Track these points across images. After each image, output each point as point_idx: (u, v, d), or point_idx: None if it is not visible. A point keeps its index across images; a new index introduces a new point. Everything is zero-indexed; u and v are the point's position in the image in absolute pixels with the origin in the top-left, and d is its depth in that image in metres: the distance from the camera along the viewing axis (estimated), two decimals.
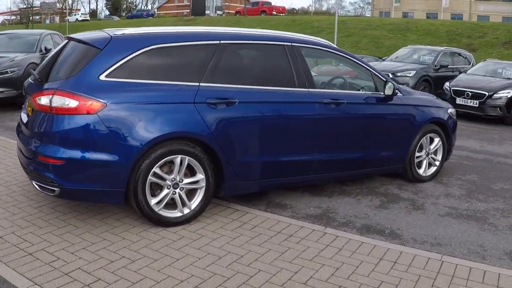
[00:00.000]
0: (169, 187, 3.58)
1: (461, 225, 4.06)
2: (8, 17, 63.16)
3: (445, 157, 5.39)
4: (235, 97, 3.76)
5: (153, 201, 3.52)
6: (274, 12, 41.43)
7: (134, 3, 74.67)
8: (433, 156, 5.28)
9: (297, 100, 4.09)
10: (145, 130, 3.40)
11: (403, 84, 10.86)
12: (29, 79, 3.95)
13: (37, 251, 3.16)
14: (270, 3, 45.68)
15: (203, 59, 3.74)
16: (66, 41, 3.84)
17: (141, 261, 3.12)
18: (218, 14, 52.28)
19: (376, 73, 4.70)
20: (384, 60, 13.81)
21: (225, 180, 3.82)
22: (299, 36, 4.46)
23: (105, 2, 73.36)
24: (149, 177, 3.46)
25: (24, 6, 55.36)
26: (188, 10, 50.64)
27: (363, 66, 4.68)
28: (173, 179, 3.58)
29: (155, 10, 70.75)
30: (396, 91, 4.63)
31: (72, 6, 66.32)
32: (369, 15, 53.32)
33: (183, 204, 3.66)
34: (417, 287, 2.95)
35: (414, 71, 11.31)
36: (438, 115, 5.18)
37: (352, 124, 4.48)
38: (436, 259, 3.34)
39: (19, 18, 57.92)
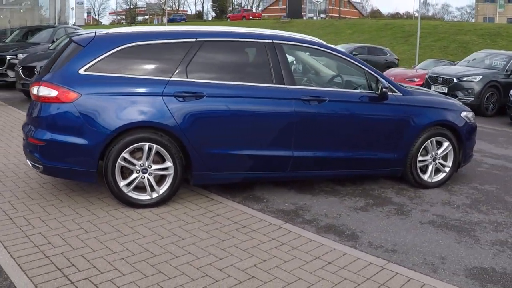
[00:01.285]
0: (138, 171, 3.81)
1: (436, 235, 3.72)
2: (114, 17, 68.86)
3: (456, 164, 4.92)
4: (203, 91, 3.87)
5: (122, 183, 3.78)
6: (251, 17, 49.36)
7: (241, 5, 77.05)
8: (441, 161, 4.85)
9: (270, 96, 4.06)
10: (114, 119, 3.66)
11: (468, 89, 10.06)
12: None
13: (17, 217, 3.61)
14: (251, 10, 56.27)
15: (177, 56, 3.90)
16: (67, 40, 4.27)
17: (93, 233, 3.39)
18: (321, 17, 52.27)
19: (370, 72, 4.47)
20: (456, 64, 12.73)
21: (194, 170, 3.95)
22: (283, 33, 4.41)
23: (211, 3, 76.67)
24: (118, 161, 3.72)
25: (127, 7, 59.98)
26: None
27: (355, 64, 4.47)
28: (141, 165, 3.80)
29: (260, 12, 72.55)
30: (385, 90, 4.33)
31: (178, 7, 70.47)
32: (473, 21, 49.54)
33: (152, 189, 3.87)
34: None
35: (481, 76, 10.24)
36: (446, 117, 4.74)
37: (337, 122, 4.31)
38: (377, 265, 3.13)
39: (124, 18, 62.89)
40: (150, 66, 3.87)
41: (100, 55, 3.74)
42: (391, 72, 12.85)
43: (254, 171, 4.16)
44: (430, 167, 4.80)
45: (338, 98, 4.30)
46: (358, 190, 4.69)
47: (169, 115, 3.77)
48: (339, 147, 4.35)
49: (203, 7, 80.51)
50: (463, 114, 4.91)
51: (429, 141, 4.70)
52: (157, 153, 3.81)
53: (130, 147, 3.73)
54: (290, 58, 4.32)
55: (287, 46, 4.25)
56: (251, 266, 3.04)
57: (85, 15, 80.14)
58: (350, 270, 3.04)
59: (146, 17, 63.01)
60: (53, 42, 11.62)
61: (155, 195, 3.88)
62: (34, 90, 3.77)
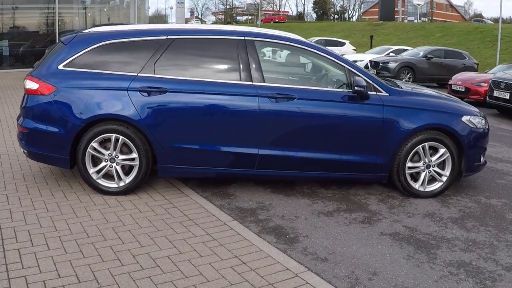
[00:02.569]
0: (106, 160, 3.99)
1: (388, 248, 3.33)
2: (216, 17, 71.17)
3: (455, 173, 4.33)
4: (166, 86, 3.91)
5: (91, 170, 3.99)
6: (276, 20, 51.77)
7: (344, 7, 75.29)
8: (437, 169, 4.31)
9: (235, 92, 3.95)
10: (84, 110, 3.87)
11: None
12: None
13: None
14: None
15: (147, 53, 3.99)
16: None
17: (51, 213, 3.60)
18: (422, 20, 49.58)
19: (352, 69, 4.12)
20: None
21: (158, 162, 4.02)
22: (257, 30, 4.25)
23: (312, 5, 76.09)
24: (88, 149, 3.93)
25: (223, 7, 61.66)
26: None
27: (336, 61, 4.16)
28: (109, 154, 3.98)
29: (361, 14, 70.46)
30: (359, 88, 3.95)
31: (279, 8, 71.06)
32: None
33: (119, 178, 4.03)
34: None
35: None
36: (440, 121, 4.19)
37: (308, 121, 4.05)
38: (292, 272, 2.89)
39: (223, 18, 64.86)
40: (121, 62, 4.00)
41: (78, 52, 3.98)
42: (459, 76, 11.65)
43: (219, 167, 4.09)
44: (422, 175, 4.29)
45: (309, 97, 4.03)
46: (340, 194, 4.37)
47: (133, 109, 3.88)
48: (310, 147, 4.09)
49: (304, 8, 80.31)
50: (465, 118, 4.30)
51: (420, 146, 4.20)
52: (126, 144, 3.95)
53: (99, 137, 3.92)
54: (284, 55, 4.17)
55: (259, 43, 4.11)
56: (163, 256, 3.02)
57: (188, 14, 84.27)
58: (259, 273, 2.87)
59: (250, 17, 64.54)
60: None
61: (121, 183, 4.03)
62: (24, 83, 4.14)
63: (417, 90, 4.69)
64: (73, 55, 3.97)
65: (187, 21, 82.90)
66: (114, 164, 3.98)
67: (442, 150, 4.25)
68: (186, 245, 3.21)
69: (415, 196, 4.31)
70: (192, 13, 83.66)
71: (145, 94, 3.89)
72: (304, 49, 4.15)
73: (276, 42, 4.17)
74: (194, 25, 4.62)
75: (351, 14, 69.78)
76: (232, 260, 3.03)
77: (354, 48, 22.44)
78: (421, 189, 4.31)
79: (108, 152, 3.96)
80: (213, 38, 4.12)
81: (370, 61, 15.27)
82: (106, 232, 3.35)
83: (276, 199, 4.17)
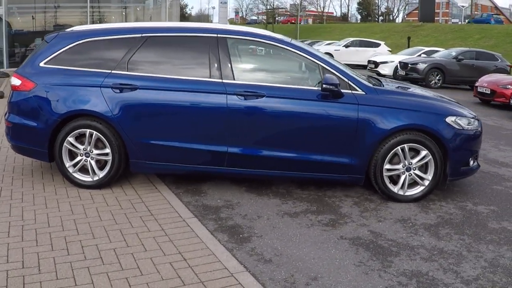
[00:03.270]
0: (82, 155, 4.05)
1: (342, 253, 3.12)
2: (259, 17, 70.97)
3: (439, 177, 4.03)
4: (137, 83, 3.90)
5: (68, 164, 4.06)
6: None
7: (389, 8, 73.16)
8: (418, 173, 4.03)
9: (203, 90, 3.87)
10: (60, 106, 3.94)
11: None
12: None
13: None
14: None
15: (122, 50, 4.00)
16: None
17: (25, 203, 3.68)
18: (467, 22, 47.59)
19: (326, 67, 3.94)
20: None
21: (130, 157, 4.03)
22: (231, 27, 4.16)
23: (356, 6, 74.54)
24: (64, 144, 3.99)
25: (264, 8, 61.42)
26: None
27: (309, 59, 3.99)
28: (84, 149, 4.04)
29: (405, 15, 68.41)
30: (327, 86, 3.76)
31: (323, 9, 70.16)
32: None
33: (94, 172, 4.08)
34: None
35: None
36: (420, 121, 3.91)
37: (277, 120, 3.90)
38: (229, 271, 2.78)
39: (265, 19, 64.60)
40: (98, 60, 4.04)
41: (59, 50, 4.06)
42: (486, 78, 10.93)
43: (189, 165, 4.04)
44: (402, 178, 4.03)
45: (278, 94, 3.89)
46: (315, 195, 4.19)
47: (106, 105, 3.91)
48: (281, 146, 3.94)
49: (348, 9, 78.81)
50: (450, 119, 3.99)
51: (399, 147, 3.94)
52: (101, 139, 3.99)
53: (74, 132, 3.98)
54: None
55: (231, 40, 4.02)
56: (110, 249, 3.03)
57: (233, 14, 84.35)
58: (195, 270, 2.79)
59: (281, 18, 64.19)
60: None
61: (96, 177, 4.06)
62: (10, 80, 4.28)
63: (401, 89, 4.42)
64: (54, 53, 4.06)
65: (231, 21, 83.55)
66: (89, 159, 4.03)
67: (423, 153, 3.97)
68: (136, 239, 3.19)
69: (395, 200, 4.05)
70: (237, 13, 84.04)
71: (117, 90, 3.91)
72: (277, 46, 4.01)
73: (249, 40, 4.06)
74: (168, 22, 4.59)
75: (395, 15, 67.82)
76: (174, 256, 2.97)
77: (389, 49, 21.72)
78: (401, 192, 4.05)
79: (83, 146, 4.01)
80: (186, 35, 4.07)
81: (400, 62, 14.70)
82: (67, 223, 3.39)
83: (246, 198, 4.06)
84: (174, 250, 3.04)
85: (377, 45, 22.04)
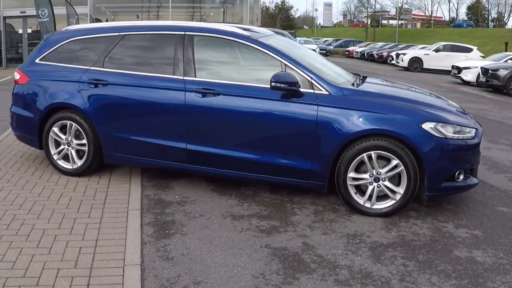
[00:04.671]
0: (64, 144, 4.27)
1: (252, 262, 2.80)
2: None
3: (412, 191, 3.44)
4: (108, 79, 3.98)
5: (53, 152, 4.31)
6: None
7: (500, 12, 65.70)
8: (388, 184, 3.49)
9: (165, 86, 3.79)
10: (46, 99, 4.19)
11: None
12: None
13: None
14: None
15: (101, 48, 4.13)
16: None
17: (7, 184, 3.99)
18: None
19: (290, 64, 3.60)
20: None
21: (103, 149, 4.13)
22: (198, 25, 4.00)
23: (466, 11, 68.12)
24: (50, 133, 4.25)
25: (366, 11, 59.00)
26: None
27: (273, 56, 3.67)
28: (66, 139, 4.25)
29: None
30: (275, 84, 3.42)
31: (431, 13, 65.56)
32: None
33: (73, 160, 4.28)
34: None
35: None
36: (389, 126, 3.35)
37: (233, 118, 3.66)
38: (123, 262, 2.71)
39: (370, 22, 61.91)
40: (82, 57, 4.20)
41: (51, 48, 4.34)
42: None
43: (153, 159, 3.99)
44: (369, 189, 3.53)
45: (235, 92, 3.65)
46: (278, 200, 3.84)
47: (82, 99, 4.06)
48: (237, 146, 3.71)
49: (457, 13, 72.48)
50: (428, 125, 3.37)
51: (365, 155, 3.46)
52: (80, 130, 4.16)
53: (58, 122, 4.21)
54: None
55: (197, 38, 3.89)
56: (40, 229, 3.18)
57: (340, 17, 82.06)
58: (95, 257, 2.82)
59: (402, 22, 60.97)
60: None
61: (75, 166, 4.26)
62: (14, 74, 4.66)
63: (381, 90, 3.87)
64: (47, 50, 4.34)
65: (339, 24, 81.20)
66: (70, 148, 4.24)
67: (394, 162, 3.42)
68: (71, 223, 3.26)
69: (360, 213, 3.56)
70: (344, 15, 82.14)
71: (92, 86, 4.04)
72: (242, 43, 3.78)
73: (214, 37, 3.89)
74: (144, 21, 4.62)
75: (506, 20, 60.66)
76: (89, 242, 2.99)
77: (482, 55, 19.45)
78: (368, 205, 3.54)
79: (65, 136, 4.23)
80: (157, 33, 4.05)
81: (481, 68, 13.04)
82: (27, 203, 3.60)
83: (205, 197, 3.90)
84: (94, 237, 3.05)
85: (469, 50, 19.88)
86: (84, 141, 4.14)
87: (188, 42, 3.84)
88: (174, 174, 4.34)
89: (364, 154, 3.43)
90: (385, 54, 25.30)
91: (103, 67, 4.06)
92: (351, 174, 3.49)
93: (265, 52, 3.68)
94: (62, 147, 4.26)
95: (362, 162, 3.48)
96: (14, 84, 4.49)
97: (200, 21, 22.27)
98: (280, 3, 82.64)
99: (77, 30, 4.36)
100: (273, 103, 3.56)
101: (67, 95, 4.11)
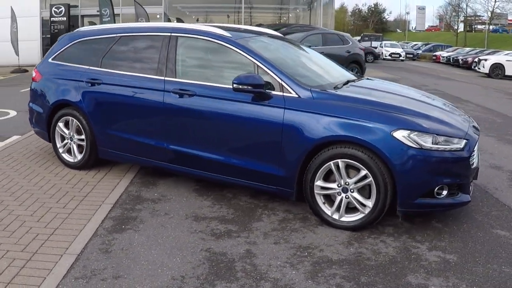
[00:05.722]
0: (67, 138, 4.63)
1: (183, 264, 2.79)
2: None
3: (383, 205, 3.14)
4: (101, 79, 4.23)
5: (58, 145, 4.70)
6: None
7: None
8: (357, 196, 3.24)
9: (147, 86, 3.93)
10: (52, 96, 4.58)
11: None
12: None
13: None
14: None
15: (100, 49, 4.41)
16: None
17: (12, 170, 4.46)
18: None
19: (264, 66, 3.50)
20: None
21: (97, 144, 4.40)
22: (183, 26, 4.05)
23: None
24: (56, 128, 4.66)
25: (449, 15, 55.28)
26: None
27: (248, 58, 3.59)
28: (69, 134, 4.61)
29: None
30: (237, 85, 3.33)
31: None
32: None
33: (74, 154, 4.61)
34: None
35: None
36: (356, 133, 3.10)
37: (205, 119, 3.67)
38: (65, 250, 2.88)
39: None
40: (85, 57, 4.51)
41: (62, 48, 4.74)
42: None
43: (139, 157, 4.16)
44: (337, 200, 3.31)
45: (208, 94, 3.65)
46: (250, 205, 3.75)
47: (80, 97, 4.37)
48: (210, 148, 3.70)
49: None
50: (401, 133, 3.06)
51: (331, 163, 3.25)
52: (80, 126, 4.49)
53: (62, 118, 4.58)
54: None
55: (181, 39, 3.97)
56: (12, 215, 3.45)
57: (436, 21, 77.15)
58: (43, 244, 3.02)
59: (494, 27, 55.98)
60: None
61: (75, 159, 4.60)
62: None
63: (359, 94, 3.58)
64: (59, 51, 4.75)
65: (435, 29, 76.85)
66: (72, 142, 4.59)
67: (363, 172, 3.17)
68: (44, 212, 3.54)
69: (329, 225, 3.35)
70: (440, 20, 77.39)
71: (89, 84, 4.33)
72: (222, 44, 3.76)
73: (196, 38, 3.93)
74: (140, 23, 4.78)
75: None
76: (47, 230, 3.23)
77: None
78: (335, 216, 3.32)
79: (69, 131, 4.58)
80: (148, 34, 4.21)
81: None
82: (17, 190, 3.98)
83: (182, 196, 3.94)
84: (56, 226, 3.29)
85: None
86: (83, 137, 4.43)
87: (172, 43, 3.94)
88: (166, 172, 4.45)
89: (331, 162, 3.22)
90: (470, 59, 23.37)
91: (100, 67, 4.33)
92: (319, 183, 3.31)
93: (241, 54, 3.64)
94: (66, 141, 4.61)
95: (330, 171, 3.27)
96: (32, 81, 4.96)
97: (283, 21, 22.69)
98: (373, 5, 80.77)
99: (85, 32, 4.70)
100: (242, 105, 3.50)
101: (69, 93, 4.45)
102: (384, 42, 35.55)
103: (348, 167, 3.23)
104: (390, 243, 3.12)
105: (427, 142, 3.06)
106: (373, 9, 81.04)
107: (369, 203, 3.18)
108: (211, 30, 3.86)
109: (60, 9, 16.39)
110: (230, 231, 3.28)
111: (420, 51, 36.74)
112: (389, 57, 31.29)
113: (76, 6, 18.89)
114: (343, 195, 3.26)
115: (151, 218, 3.49)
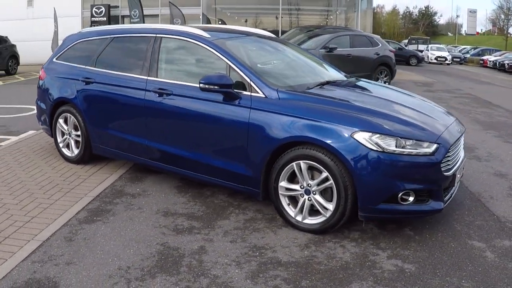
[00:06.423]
0: (66, 134, 4.88)
1: (128, 256, 2.87)
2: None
3: (344, 208, 3.06)
4: (94, 77, 4.42)
5: (59, 140, 4.96)
6: None
7: None
8: (319, 198, 3.18)
9: (131, 85, 4.06)
10: (53, 93, 4.84)
11: None
12: None
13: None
14: None
15: (98, 49, 4.61)
16: None
17: (15, 162, 4.78)
18: None
19: (234, 66, 3.53)
20: None
21: (91, 140, 4.60)
22: (166, 27, 4.14)
23: None
24: (57, 124, 4.91)
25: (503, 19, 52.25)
26: None
27: (221, 58, 3.62)
28: (68, 129, 4.85)
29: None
30: (204, 85, 3.36)
31: None
32: None
33: (72, 149, 4.84)
34: None
35: None
36: (315, 134, 3.05)
37: (180, 118, 3.74)
38: (33, 236, 3.06)
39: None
40: (83, 57, 4.73)
41: (65, 48, 5.00)
42: None
43: (126, 153, 4.30)
44: (300, 202, 3.27)
45: (183, 93, 3.72)
46: (225, 203, 3.78)
47: (76, 95, 4.60)
48: (184, 146, 3.76)
49: None
50: (362, 135, 2.97)
51: (294, 164, 3.22)
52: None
53: (61, 115, 4.84)
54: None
55: (165, 40, 4.07)
56: (6, 203, 3.70)
57: (489, 25, 73.60)
58: (17, 230, 3.22)
59: None
60: (325, 48, 11.18)
61: (73, 154, 4.83)
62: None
63: (332, 95, 3.49)
64: (62, 51, 5.02)
65: (488, 32, 73.34)
66: (70, 138, 4.83)
67: (324, 175, 3.11)
68: (29, 201, 3.76)
69: (292, 226, 3.32)
70: (493, 24, 73.81)
71: (84, 83, 4.54)
72: (198, 44, 3.82)
73: (178, 38, 4.01)
74: (133, 25, 4.92)
75: None
76: (25, 218, 3.44)
77: None
78: (299, 218, 3.28)
79: (67, 127, 4.83)
80: (137, 35, 4.35)
81: None
82: (13, 181, 4.23)
83: (162, 192, 4.03)
84: (34, 215, 3.50)
85: None
86: (79, 133, 4.65)
87: (156, 43, 4.05)
88: (156, 169, 4.56)
89: (294, 164, 3.19)
90: None
91: (94, 67, 4.53)
92: (283, 184, 3.28)
93: (215, 54, 3.68)
94: (65, 136, 4.86)
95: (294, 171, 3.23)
96: (39, 80, 5.26)
97: (330, 24, 22.65)
98: (424, 8, 78.54)
99: (86, 33, 4.93)
100: (212, 104, 3.55)
101: (68, 91, 4.69)
102: (430, 45, 34.35)
103: (312, 169, 3.18)
104: (350, 248, 3.04)
105: (390, 145, 2.95)
106: (423, 12, 78.70)
107: (330, 207, 3.12)
108: (191, 31, 3.93)
109: (100, 10, 17.15)
110: (193, 227, 3.32)
111: (468, 55, 35.13)
112: (435, 61, 30.16)
113: (116, 7, 19.68)
114: (306, 197, 3.21)
115: (124, 211, 3.61)
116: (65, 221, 3.39)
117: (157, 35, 4.10)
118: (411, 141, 3.00)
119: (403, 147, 2.97)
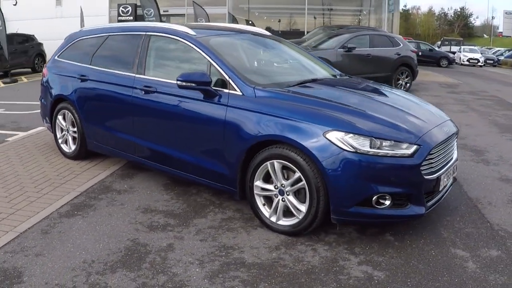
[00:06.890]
0: (65, 130, 4.98)
1: (96, 251, 2.89)
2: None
3: (316, 209, 2.96)
4: (88, 74, 4.50)
5: (58, 136, 5.06)
6: None
7: None
8: (292, 199, 3.10)
9: (120, 82, 4.10)
10: (53, 90, 4.95)
11: None
12: None
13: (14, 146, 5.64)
14: None
15: (93, 47, 4.69)
16: None
17: (16, 156, 4.93)
18: None
19: (215, 63, 3.49)
20: None
21: (86, 137, 4.68)
22: (155, 25, 4.14)
23: None
24: (56, 121, 5.03)
25: None
26: None
27: (203, 55, 3.59)
28: (65, 126, 4.95)
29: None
30: (181, 82, 3.33)
31: None
32: None
33: (69, 145, 4.94)
34: None
35: None
36: (286, 133, 2.98)
37: (162, 115, 3.73)
38: (12, 227, 3.14)
39: None
40: (81, 55, 4.83)
41: (66, 47, 5.11)
42: None
43: (116, 149, 4.35)
44: (274, 202, 3.20)
45: (166, 90, 3.72)
46: (207, 202, 3.76)
47: (72, 92, 4.69)
48: (166, 143, 3.76)
49: None
50: (334, 135, 2.86)
51: (268, 163, 3.15)
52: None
53: (60, 111, 4.95)
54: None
55: (153, 38, 4.08)
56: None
57: None
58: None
59: None
60: (344, 47, 10.98)
61: (70, 150, 4.92)
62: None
63: (311, 93, 3.39)
64: (63, 49, 5.13)
65: None
66: (68, 134, 4.93)
67: (296, 175, 3.03)
68: (18, 194, 3.87)
69: (267, 227, 3.25)
70: None
71: (79, 80, 4.63)
72: (183, 42, 3.80)
73: (165, 36, 4.01)
74: (125, 23, 4.96)
75: None
76: (11, 210, 3.54)
77: None
78: (273, 219, 3.21)
79: (65, 124, 4.94)
80: (129, 34, 4.38)
81: None
82: (9, 175, 4.35)
83: (148, 189, 4.05)
84: (20, 207, 3.59)
85: None
86: (75, 129, 4.74)
87: (145, 41, 4.07)
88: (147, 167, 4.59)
89: (268, 163, 3.12)
90: None
91: (90, 64, 4.60)
92: (258, 183, 3.22)
93: (198, 51, 3.66)
94: (63, 133, 4.97)
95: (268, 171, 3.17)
96: (42, 77, 5.39)
97: (359, 24, 22.47)
98: (459, 9, 76.42)
99: (85, 31, 5.03)
100: (192, 102, 3.53)
101: (66, 88, 4.79)
102: (463, 47, 33.21)
103: (287, 169, 3.10)
104: (321, 252, 2.94)
105: (364, 145, 2.83)
106: (459, 13, 76.47)
107: (303, 208, 3.03)
108: (176, 28, 3.93)
109: (127, 9, 17.44)
110: (168, 225, 3.31)
111: (502, 57, 33.70)
112: (467, 63, 29.12)
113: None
114: (280, 197, 3.14)
115: (105, 207, 3.64)
116: (47, 214, 3.45)
117: (147, 33, 4.12)
118: (388, 141, 2.87)
119: (378, 148, 2.84)
